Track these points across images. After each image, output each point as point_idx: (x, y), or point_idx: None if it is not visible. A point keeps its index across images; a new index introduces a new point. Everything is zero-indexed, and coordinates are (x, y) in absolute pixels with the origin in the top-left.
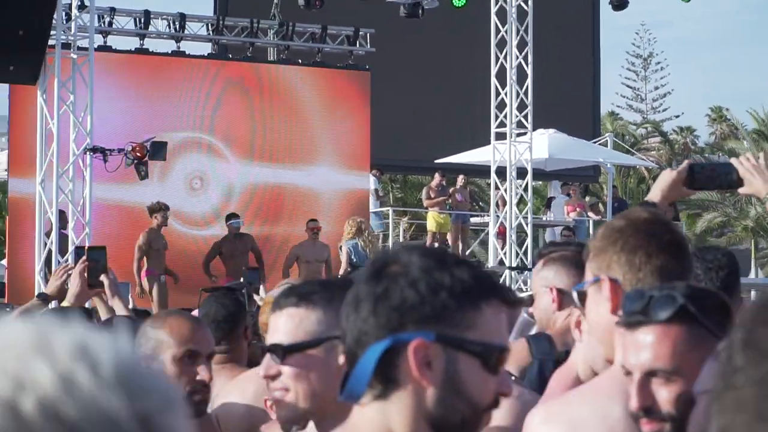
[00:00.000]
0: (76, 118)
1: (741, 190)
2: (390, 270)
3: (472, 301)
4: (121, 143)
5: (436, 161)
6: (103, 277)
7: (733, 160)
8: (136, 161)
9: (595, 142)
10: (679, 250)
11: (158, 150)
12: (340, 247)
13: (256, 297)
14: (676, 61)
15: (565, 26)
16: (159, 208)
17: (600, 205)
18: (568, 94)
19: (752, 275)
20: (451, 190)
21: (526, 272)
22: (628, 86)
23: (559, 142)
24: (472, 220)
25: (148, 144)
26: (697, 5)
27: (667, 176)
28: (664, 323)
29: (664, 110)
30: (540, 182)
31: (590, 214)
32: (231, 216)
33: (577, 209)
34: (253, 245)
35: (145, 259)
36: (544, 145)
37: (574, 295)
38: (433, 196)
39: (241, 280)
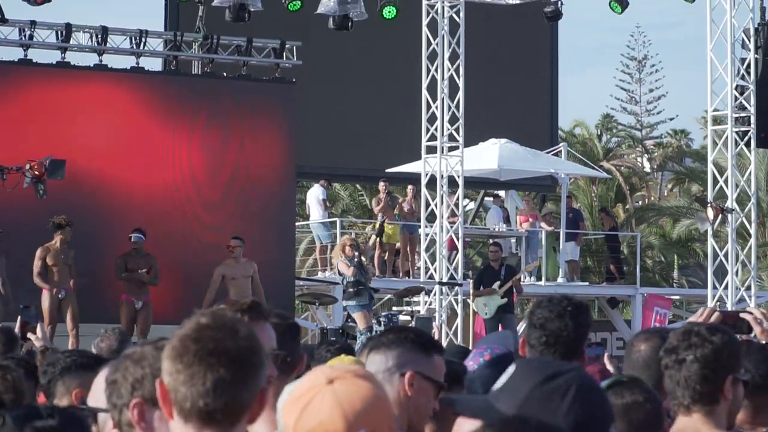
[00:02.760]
0: None
1: None
2: None
3: None
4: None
5: (387, 170)
6: (30, 335)
7: None
8: (34, 180)
9: (549, 152)
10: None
11: (56, 168)
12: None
13: (32, 336)
14: (671, 63)
15: (523, 38)
16: (60, 225)
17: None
18: (525, 103)
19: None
20: (400, 200)
21: (456, 287)
22: (622, 88)
23: (510, 151)
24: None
25: (46, 162)
26: (692, 7)
27: None
28: None
29: (659, 113)
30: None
31: (542, 224)
32: (134, 230)
33: (530, 219)
34: (153, 265)
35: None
36: (494, 155)
37: None
38: (379, 209)
39: (18, 319)
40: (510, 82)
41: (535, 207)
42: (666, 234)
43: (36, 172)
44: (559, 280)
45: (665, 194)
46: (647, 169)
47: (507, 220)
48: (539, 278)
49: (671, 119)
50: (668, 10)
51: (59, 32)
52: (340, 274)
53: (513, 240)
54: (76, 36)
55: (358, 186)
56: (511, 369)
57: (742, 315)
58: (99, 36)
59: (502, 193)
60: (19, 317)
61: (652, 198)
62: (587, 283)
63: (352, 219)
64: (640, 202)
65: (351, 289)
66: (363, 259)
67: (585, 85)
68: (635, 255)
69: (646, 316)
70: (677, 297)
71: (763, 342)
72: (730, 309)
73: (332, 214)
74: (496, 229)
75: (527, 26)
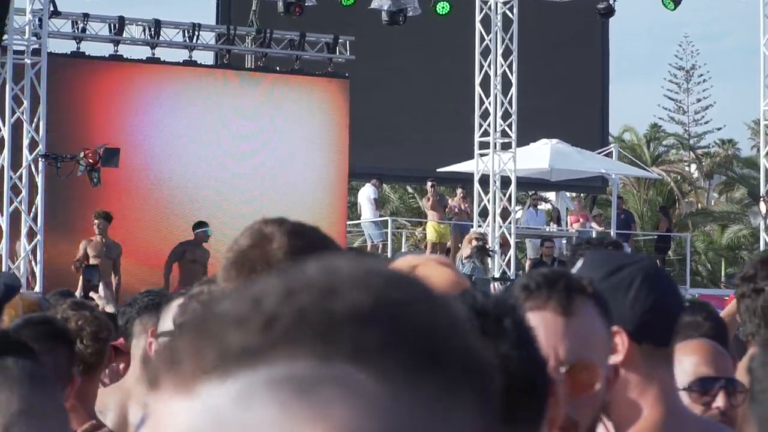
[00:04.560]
0: (29, 125)
1: None
2: None
3: None
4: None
5: (438, 170)
6: (92, 294)
7: None
8: (88, 168)
9: (599, 153)
10: None
11: (111, 156)
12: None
13: (94, 295)
14: (718, 73)
15: (575, 37)
16: (97, 217)
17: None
18: (576, 103)
19: None
20: (449, 200)
21: (509, 283)
22: (670, 98)
23: (561, 152)
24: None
25: (100, 150)
26: (740, 17)
27: None
28: None
29: (706, 123)
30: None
31: (593, 224)
32: (200, 224)
33: (580, 220)
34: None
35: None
36: (545, 155)
37: None
38: (429, 206)
39: (80, 279)
40: (561, 81)
41: (585, 207)
42: (714, 241)
43: (90, 160)
44: None
45: (712, 203)
46: (695, 175)
47: (558, 220)
48: None
49: (718, 129)
50: (716, 21)
51: (112, 25)
52: (462, 263)
53: (563, 240)
54: (129, 29)
55: (408, 188)
56: (579, 263)
57: None
58: (152, 29)
59: (551, 195)
60: (81, 277)
61: (700, 205)
62: None
63: (401, 220)
64: (687, 211)
65: None
66: (489, 253)
67: (633, 94)
68: (684, 257)
69: None
70: (727, 298)
71: None
72: None
73: (382, 215)
74: (547, 229)
75: (579, 25)
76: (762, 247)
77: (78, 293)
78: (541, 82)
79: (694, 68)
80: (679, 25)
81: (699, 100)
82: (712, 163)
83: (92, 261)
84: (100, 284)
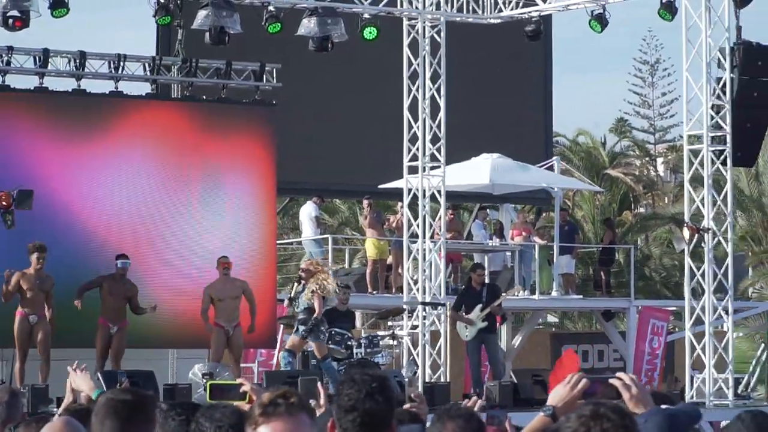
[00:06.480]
0: None
1: None
2: None
3: None
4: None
5: (380, 186)
6: None
7: None
8: (2, 210)
9: (541, 166)
10: None
11: (24, 198)
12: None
13: None
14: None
15: (516, 54)
16: (33, 250)
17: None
18: (519, 118)
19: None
20: (388, 216)
21: (440, 308)
22: (635, 93)
23: (502, 166)
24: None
25: (14, 192)
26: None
27: None
28: None
29: (672, 116)
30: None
31: (535, 238)
32: (120, 256)
33: (523, 233)
34: (133, 295)
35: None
36: (486, 170)
37: None
38: (366, 224)
39: None
40: (504, 96)
41: (527, 221)
42: (671, 242)
43: (4, 203)
44: (554, 293)
45: (673, 199)
46: (661, 173)
47: (501, 233)
48: (533, 292)
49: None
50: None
51: (37, 57)
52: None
53: (507, 254)
54: (53, 61)
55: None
56: None
57: (610, 381)
58: (77, 61)
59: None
60: None
61: (660, 205)
62: (581, 297)
63: (341, 237)
64: (644, 210)
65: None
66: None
67: (599, 87)
68: (636, 266)
69: (642, 330)
70: (674, 308)
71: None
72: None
73: (328, 228)
74: (490, 244)
75: (519, 42)
76: (687, 270)
77: None
78: (482, 98)
79: (658, 62)
80: (643, 18)
81: (664, 94)
82: (677, 158)
83: (27, 294)
84: None
